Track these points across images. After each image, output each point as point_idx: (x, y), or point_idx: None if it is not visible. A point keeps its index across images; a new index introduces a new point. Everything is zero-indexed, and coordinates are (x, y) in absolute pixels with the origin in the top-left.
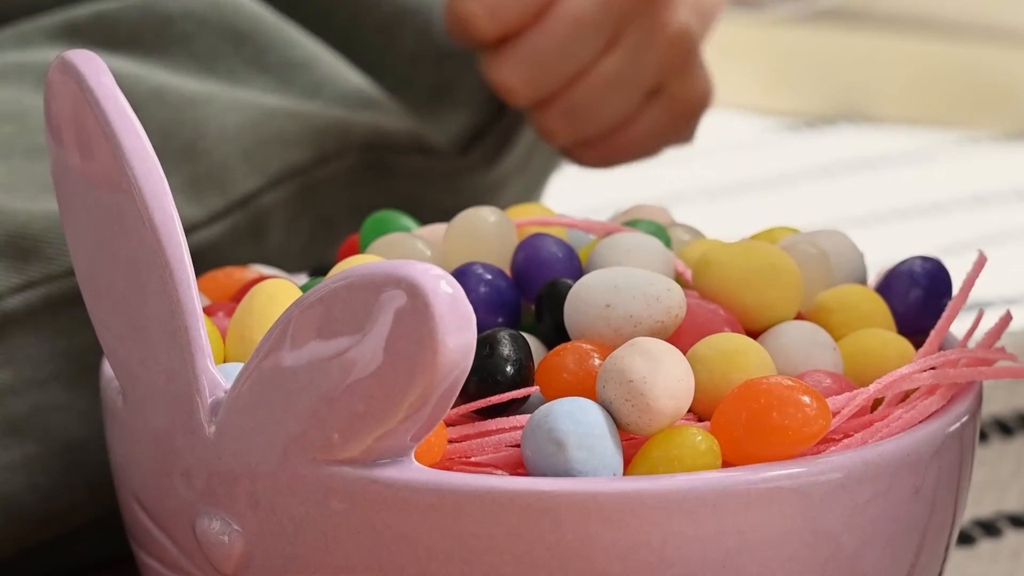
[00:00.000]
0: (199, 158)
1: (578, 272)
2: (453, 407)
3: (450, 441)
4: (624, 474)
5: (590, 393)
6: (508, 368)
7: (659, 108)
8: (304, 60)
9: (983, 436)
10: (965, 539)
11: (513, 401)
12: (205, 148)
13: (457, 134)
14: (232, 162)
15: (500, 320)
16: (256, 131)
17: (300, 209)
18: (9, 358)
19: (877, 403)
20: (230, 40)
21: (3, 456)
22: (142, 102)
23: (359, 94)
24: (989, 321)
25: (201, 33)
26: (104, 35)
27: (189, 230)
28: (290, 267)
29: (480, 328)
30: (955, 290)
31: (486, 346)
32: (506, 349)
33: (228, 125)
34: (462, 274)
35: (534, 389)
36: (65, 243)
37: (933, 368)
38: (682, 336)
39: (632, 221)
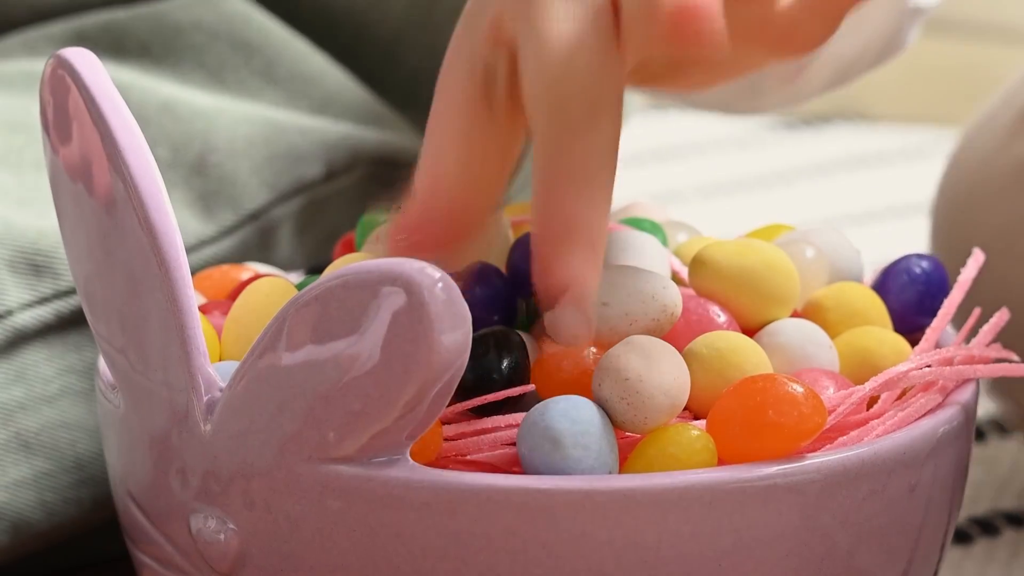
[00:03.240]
0: (209, 172)
1: None
2: (448, 405)
3: (446, 439)
4: (620, 472)
5: (586, 391)
6: (504, 366)
7: None
8: (314, 74)
9: (980, 435)
10: (962, 537)
11: (509, 399)
12: (215, 162)
13: None
14: (242, 176)
15: (496, 318)
16: (266, 145)
17: (307, 222)
18: (19, 374)
19: (873, 401)
20: (240, 52)
21: (13, 472)
22: (152, 115)
23: (367, 110)
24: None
25: (211, 44)
26: (113, 44)
27: (199, 246)
28: None
29: (476, 326)
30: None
31: (482, 344)
32: (502, 347)
33: (238, 138)
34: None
35: (530, 387)
36: None
37: (929, 366)
38: (678, 334)
39: (628, 219)
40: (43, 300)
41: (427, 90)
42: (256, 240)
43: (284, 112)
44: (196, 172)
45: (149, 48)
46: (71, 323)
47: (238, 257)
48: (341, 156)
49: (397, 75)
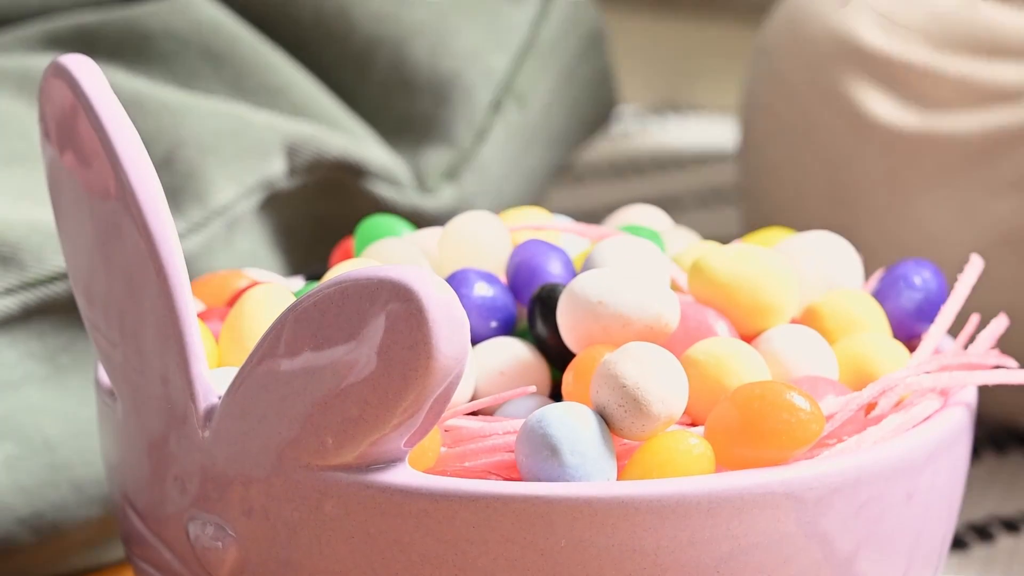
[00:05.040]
0: (177, 167)
1: (573, 277)
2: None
3: (444, 446)
4: (618, 479)
5: (584, 398)
6: None
7: None
8: (282, 85)
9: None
10: (959, 544)
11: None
12: (183, 157)
13: (428, 170)
14: (209, 172)
15: (494, 325)
16: (234, 139)
17: (266, 217)
18: None
19: (871, 407)
20: (210, 62)
21: None
22: None
23: (335, 121)
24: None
25: (182, 53)
26: (84, 48)
27: None
28: None
29: (474, 334)
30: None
31: None
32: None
33: (206, 133)
34: (456, 279)
35: (531, 388)
36: (42, 250)
37: (927, 372)
38: (676, 340)
39: (627, 226)
40: (8, 292)
41: (395, 103)
42: (221, 236)
43: (252, 111)
44: (164, 167)
45: (120, 53)
46: (35, 313)
47: (205, 252)
48: (305, 155)
49: (365, 88)
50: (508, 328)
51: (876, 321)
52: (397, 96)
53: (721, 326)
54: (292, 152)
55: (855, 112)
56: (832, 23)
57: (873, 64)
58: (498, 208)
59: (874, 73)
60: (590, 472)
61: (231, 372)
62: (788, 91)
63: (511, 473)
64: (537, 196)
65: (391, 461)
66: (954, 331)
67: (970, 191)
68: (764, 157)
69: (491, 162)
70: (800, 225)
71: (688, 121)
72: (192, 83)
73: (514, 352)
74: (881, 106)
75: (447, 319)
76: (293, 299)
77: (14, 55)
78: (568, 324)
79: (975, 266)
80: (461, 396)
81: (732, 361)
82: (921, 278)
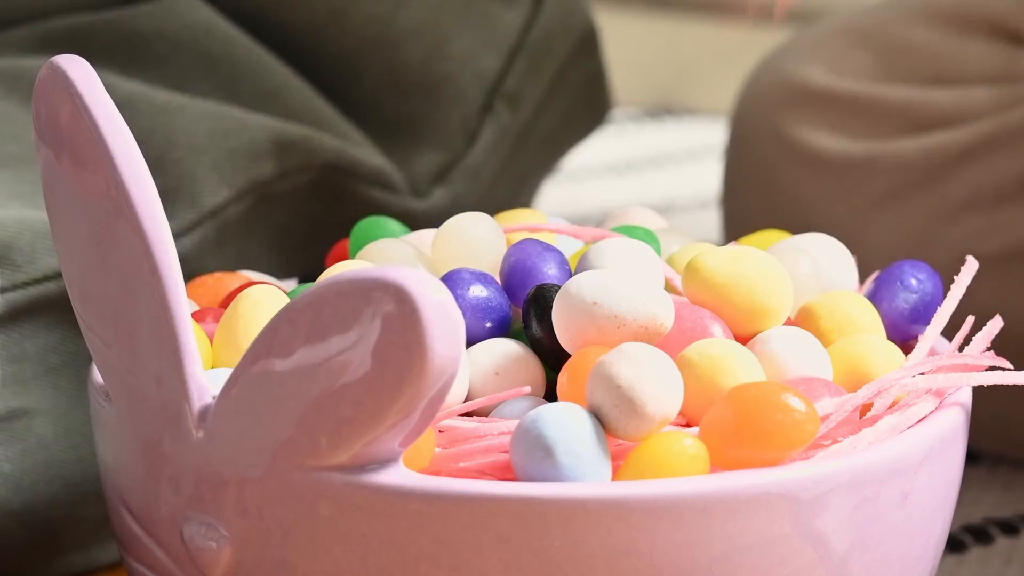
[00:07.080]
0: (169, 169)
1: (568, 278)
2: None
3: (438, 446)
4: (613, 480)
5: (579, 398)
6: None
7: None
8: (275, 88)
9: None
10: (956, 545)
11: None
12: (175, 158)
13: (420, 173)
14: (202, 173)
15: (488, 326)
16: (227, 140)
17: (257, 218)
18: None
19: (866, 409)
20: (202, 65)
21: None
22: None
23: (328, 124)
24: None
25: (175, 55)
26: (78, 50)
27: None
28: None
29: (468, 334)
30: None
31: None
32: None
33: (199, 134)
34: (450, 280)
35: (525, 389)
36: (34, 250)
37: (922, 374)
38: (671, 341)
39: (622, 227)
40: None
41: (387, 105)
42: (213, 237)
43: (245, 113)
44: (157, 169)
45: (113, 55)
46: (26, 313)
47: (197, 254)
48: (297, 156)
49: (357, 91)
50: (503, 329)
51: (871, 322)
52: (389, 99)
53: (716, 327)
54: (284, 154)
55: (806, 151)
56: (780, 72)
57: (818, 102)
58: (489, 210)
59: (819, 111)
60: (585, 473)
61: (225, 373)
62: (748, 142)
63: (506, 474)
64: (528, 198)
65: (385, 462)
66: (949, 333)
67: (922, 215)
68: (737, 206)
69: (482, 164)
70: None
71: (683, 122)
72: (185, 85)
73: (509, 353)
74: (828, 140)
75: (442, 320)
76: (287, 300)
77: (7, 56)
78: (563, 325)
79: (970, 267)
80: (455, 397)
81: (727, 362)
82: (916, 279)
